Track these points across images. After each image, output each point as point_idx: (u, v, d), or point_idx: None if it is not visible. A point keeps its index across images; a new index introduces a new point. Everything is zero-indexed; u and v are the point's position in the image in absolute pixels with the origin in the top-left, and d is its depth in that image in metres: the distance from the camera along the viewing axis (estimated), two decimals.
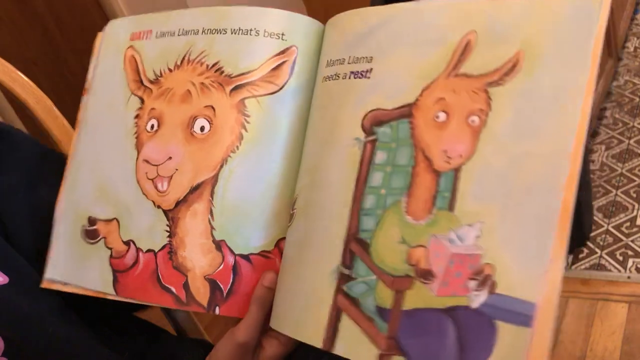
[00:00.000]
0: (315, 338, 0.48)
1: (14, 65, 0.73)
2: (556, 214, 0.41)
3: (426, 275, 0.44)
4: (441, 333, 0.42)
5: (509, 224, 0.42)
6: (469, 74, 0.46)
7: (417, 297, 0.44)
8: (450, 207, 0.44)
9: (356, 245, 0.48)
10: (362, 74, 0.51)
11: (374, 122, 0.50)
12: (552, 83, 0.43)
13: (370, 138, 0.49)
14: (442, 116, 0.46)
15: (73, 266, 0.57)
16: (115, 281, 0.54)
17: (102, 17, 1.65)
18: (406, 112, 0.48)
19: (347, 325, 0.47)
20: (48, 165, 0.63)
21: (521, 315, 0.40)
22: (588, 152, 1.66)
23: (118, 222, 0.55)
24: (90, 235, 0.56)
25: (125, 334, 0.63)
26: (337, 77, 0.53)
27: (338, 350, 0.46)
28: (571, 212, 0.40)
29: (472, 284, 0.42)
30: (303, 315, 0.49)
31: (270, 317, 0.53)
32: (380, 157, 0.48)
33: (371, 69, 0.51)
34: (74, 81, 1.59)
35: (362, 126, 0.50)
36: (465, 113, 0.45)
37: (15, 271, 0.55)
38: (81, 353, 0.54)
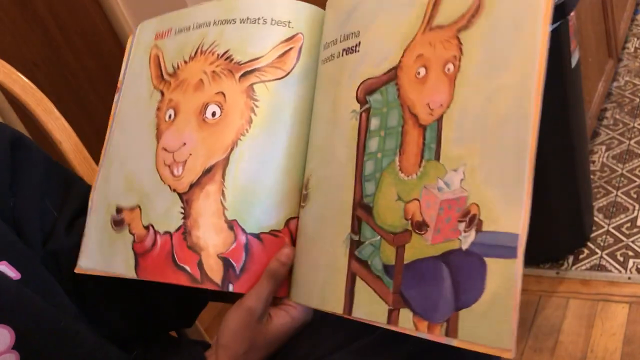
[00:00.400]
0: (337, 305, 0.49)
1: (15, 66, 0.74)
2: (529, 141, 0.40)
3: (420, 226, 0.45)
4: (437, 279, 0.43)
5: (488, 161, 0.42)
6: (442, 24, 0.47)
7: (415, 249, 0.45)
8: (436, 156, 0.45)
9: (361, 211, 0.49)
10: (352, 50, 0.53)
11: (366, 92, 0.51)
12: (510, 14, 0.43)
13: (365, 107, 0.51)
14: (422, 71, 0.47)
15: (102, 254, 0.60)
16: (136, 264, 0.57)
17: (103, 19, 1.65)
18: (392, 75, 0.49)
19: (361, 287, 0.48)
20: (55, 178, 0.66)
21: (507, 248, 0.40)
22: (588, 152, 1.66)
23: (140, 208, 0.58)
24: (118, 223, 0.59)
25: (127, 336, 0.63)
26: (332, 58, 0.55)
27: (355, 313, 0.48)
28: (536, 144, 0.40)
29: (461, 226, 0.42)
30: (325, 287, 0.51)
31: (280, 290, 0.55)
32: (374, 123, 0.50)
33: (359, 43, 0.53)
34: (75, 82, 1.59)
35: (357, 98, 0.51)
36: (441, 63, 0.46)
37: (28, 268, 0.56)
38: (91, 349, 0.55)
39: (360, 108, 0.51)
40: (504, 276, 0.40)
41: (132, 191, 0.59)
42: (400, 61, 0.49)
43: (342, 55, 0.54)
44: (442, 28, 0.47)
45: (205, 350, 0.57)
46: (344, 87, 0.53)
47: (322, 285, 0.52)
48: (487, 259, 0.41)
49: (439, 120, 0.45)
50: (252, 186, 0.55)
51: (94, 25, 1.64)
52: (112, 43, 1.65)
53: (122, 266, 0.58)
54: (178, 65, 0.60)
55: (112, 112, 0.65)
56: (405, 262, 0.45)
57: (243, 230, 0.54)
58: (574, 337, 1.28)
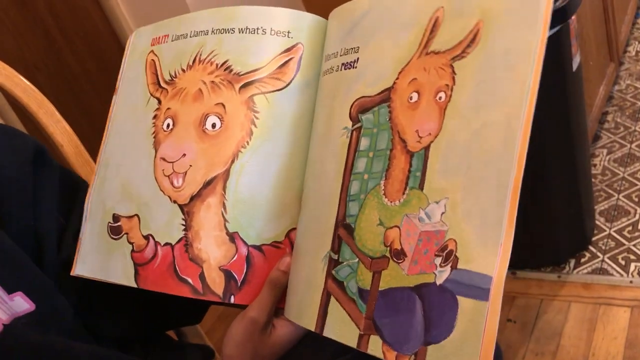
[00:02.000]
0: (310, 322, 0.49)
1: (16, 69, 0.74)
2: (510, 182, 0.39)
3: (398, 254, 0.44)
4: (409, 311, 0.43)
5: (470, 197, 0.41)
6: (437, 50, 0.46)
7: (391, 277, 0.44)
8: (420, 185, 0.44)
9: (343, 230, 0.49)
10: (350, 65, 0.53)
11: (359, 110, 0.51)
12: (504, 48, 0.42)
13: (356, 126, 0.50)
14: (414, 96, 0.46)
15: (99, 262, 0.59)
16: (136, 274, 0.57)
17: (104, 21, 1.66)
18: (386, 96, 0.49)
19: (334, 308, 0.48)
20: (65, 187, 0.66)
21: (479, 289, 0.39)
22: (590, 156, 1.66)
23: (139, 217, 0.58)
24: (115, 231, 0.59)
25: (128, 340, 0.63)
26: (332, 71, 0.55)
27: (327, 332, 0.48)
28: (520, 183, 0.39)
29: (438, 260, 0.42)
30: (302, 301, 0.51)
31: (282, 300, 0.55)
32: (364, 143, 0.49)
33: (357, 59, 0.52)
34: (76, 85, 1.60)
35: (350, 115, 0.51)
36: (433, 90, 0.45)
37: (43, 299, 0.56)
38: None
39: (352, 126, 0.50)
40: (474, 317, 0.39)
41: (130, 199, 0.59)
42: (394, 83, 0.48)
43: (341, 69, 0.53)
44: (437, 54, 0.46)
45: (206, 355, 0.57)
46: (339, 103, 0.52)
47: (300, 299, 0.52)
48: (459, 297, 0.40)
49: (427, 149, 0.44)
50: (253, 198, 0.55)
51: (95, 28, 1.64)
52: (113, 45, 1.65)
53: (121, 275, 0.58)
54: (175, 73, 0.60)
55: (109, 115, 0.65)
56: (380, 288, 0.45)
57: (244, 242, 0.54)
58: (575, 340, 1.28)
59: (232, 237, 0.54)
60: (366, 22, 0.52)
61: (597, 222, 1.53)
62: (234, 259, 0.54)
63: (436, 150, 0.44)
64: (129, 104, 0.63)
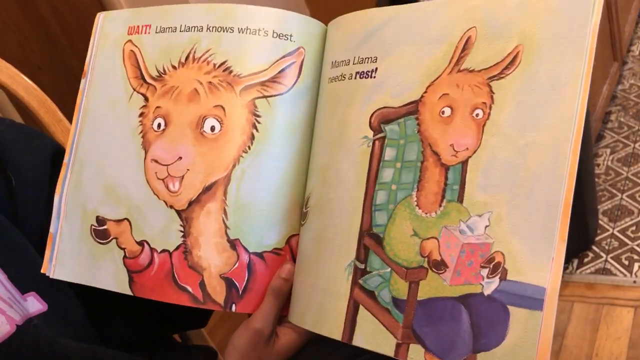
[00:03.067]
0: (335, 331, 0.49)
1: (18, 68, 0.73)
2: (561, 200, 0.42)
3: (439, 265, 0.45)
4: (455, 320, 0.44)
5: (516, 212, 0.43)
6: (471, 69, 0.47)
7: (431, 287, 0.46)
8: (460, 199, 0.46)
9: (370, 240, 0.49)
10: (367, 74, 0.53)
11: (381, 120, 0.51)
12: (549, 73, 0.44)
13: (379, 136, 0.51)
14: (447, 111, 0.48)
15: (83, 266, 0.57)
16: (131, 281, 0.55)
17: None
18: (412, 109, 0.49)
19: (364, 317, 0.48)
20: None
21: (533, 300, 0.42)
22: (593, 155, 1.66)
23: (130, 222, 0.55)
24: (100, 235, 0.56)
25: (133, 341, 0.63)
26: (342, 78, 0.54)
27: (357, 341, 0.48)
28: (571, 202, 0.42)
29: (484, 272, 0.44)
30: (322, 310, 0.51)
31: (285, 308, 0.54)
32: (389, 153, 0.50)
33: (376, 69, 0.52)
34: (78, 85, 1.59)
35: (370, 125, 0.51)
36: (469, 107, 0.47)
37: (55, 299, 0.55)
38: None
39: (374, 135, 0.51)
40: (528, 326, 0.41)
41: (116, 201, 0.56)
42: (422, 96, 0.49)
43: (355, 77, 0.53)
44: (471, 72, 0.47)
45: (209, 356, 0.57)
46: (354, 111, 0.52)
47: (318, 307, 0.51)
48: (510, 307, 0.42)
49: (464, 163, 0.46)
50: (255, 204, 0.54)
51: None
52: None
53: (111, 281, 0.55)
54: (164, 69, 0.56)
55: (77, 102, 0.60)
56: (419, 298, 0.46)
57: (245, 249, 0.53)
58: (578, 341, 1.28)
59: (234, 244, 0.53)
60: (385, 33, 0.53)
61: (600, 222, 1.53)
62: (235, 266, 0.53)
63: (475, 165, 0.45)
64: (106, 96, 0.59)
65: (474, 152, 0.46)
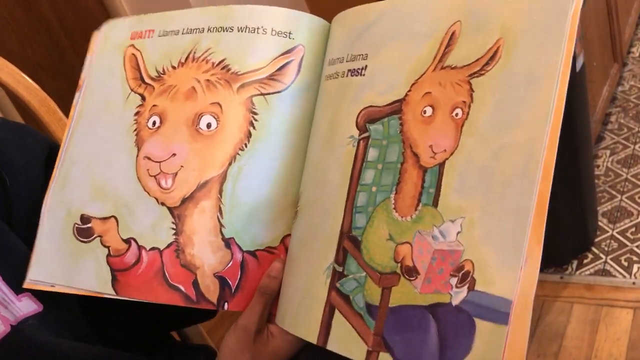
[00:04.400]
0: (311, 334, 0.48)
1: (19, 67, 0.73)
2: (531, 207, 0.39)
3: (410, 272, 0.43)
4: (423, 330, 0.42)
5: (488, 219, 0.40)
6: (454, 65, 0.45)
7: (402, 294, 0.43)
8: (434, 202, 0.43)
9: (349, 243, 0.48)
10: (358, 72, 0.51)
11: (367, 120, 0.49)
12: (526, 68, 0.41)
13: (364, 135, 0.49)
14: (428, 111, 0.45)
15: (63, 266, 0.55)
16: (114, 280, 0.53)
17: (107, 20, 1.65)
18: (397, 108, 0.47)
19: (339, 321, 0.46)
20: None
21: (498, 313, 0.39)
22: (593, 157, 1.66)
23: (116, 219, 0.54)
24: (83, 233, 0.55)
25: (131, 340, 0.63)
26: (336, 76, 0.53)
27: (331, 346, 0.46)
28: (545, 207, 0.39)
29: (453, 280, 0.41)
30: (300, 311, 0.50)
31: (275, 306, 0.53)
32: (372, 154, 0.48)
33: (366, 66, 0.50)
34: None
35: (357, 124, 0.49)
36: (449, 106, 0.44)
37: (50, 300, 0.54)
38: None
39: (359, 135, 0.49)
40: (492, 340, 0.39)
41: (104, 199, 0.55)
42: (406, 95, 0.47)
43: (347, 75, 0.52)
44: (454, 69, 0.45)
45: (209, 355, 0.57)
46: (344, 110, 0.51)
47: (297, 308, 0.50)
48: (476, 320, 0.40)
49: (441, 165, 0.43)
50: (251, 203, 0.53)
51: (98, 27, 1.64)
52: None
53: (92, 282, 0.53)
54: (164, 70, 0.56)
55: (70, 114, 0.59)
56: (390, 305, 0.44)
57: (239, 247, 0.52)
58: (577, 342, 1.27)
59: (228, 242, 0.52)
60: (377, 29, 0.51)
61: (600, 224, 1.52)
62: (229, 265, 0.52)
63: (452, 168, 0.43)
64: (102, 98, 0.58)
65: (451, 153, 0.43)
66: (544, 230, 0.38)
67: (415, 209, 0.44)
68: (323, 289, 0.48)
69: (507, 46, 0.42)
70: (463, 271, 0.41)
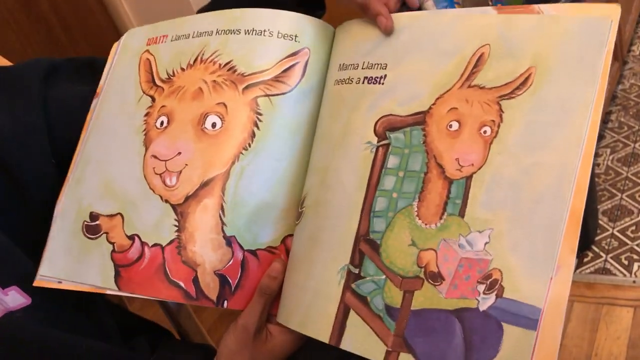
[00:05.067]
0: (322, 333, 0.49)
1: None
2: (563, 222, 0.42)
3: (435, 277, 0.45)
4: (448, 333, 0.43)
5: (517, 231, 0.43)
6: (482, 85, 0.47)
7: (426, 298, 0.45)
8: (461, 213, 0.45)
9: (366, 246, 0.49)
10: (376, 80, 0.52)
11: (387, 127, 0.51)
12: (560, 97, 0.44)
13: (383, 142, 0.50)
14: (455, 125, 0.47)
15: (71, 262, 0.55)
16: (117, 276, 0.53)
17: (107, 19, 1.66)
18: (420, 119, 0.49)
19: (355, 322, 0.48)
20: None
21: (527, 319, 0.41)
22: (593, 155, 1.66)
23: (122, 217, 0.55)
24: (92, 230, 0.56)
25: (129, 337, 0.63)
26: (350, 82, 0.54)
27: (345, 345, 0.47)
28: (579, 220, 0.41)
29: (481, 287, 0.43)
30: (310, 311, 0.50)
31: (274, 306, 0.54)
32: (392, 161, 0.49)
33: (385, 75, 0.52)
34: None
35: (375, 131, 0.51)
36: (477, 123, 0.46)
37: (39, 293, 0.54)
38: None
39: (378, 142, 0.50)
40: (520, 345, 0.41)
41: (113, 197, 0.55)
42: (430, 108, 0.49)
43: (363, 82, 0.53)
44: (482, 89, 0.47)
45: (209, 354, 0.57)
46: (360, 115, 0.52)
47: (307, 308, 0.51)
48: (504, 325, 0.42)
49: (468, 178, 0.46)
50: (253, 202, 0.53)
51: (98, 27, 1.64)
52: None
53: (97, 278, 0.54)
54: (174, 72, 0.57)
55: (87, 118, 0.61)
56: (412, 308, 0.45)
57: (240, 246, 0.53)
58: (578, 340, 1.27)
59: (229, 240, 0.52)
60: (397, 40, 0.52)
61: (600, 222, 1.52)
62: (230, 263, 0.52)
63: (480, 182, 0.45)
64: (117, 101, 0.60)
65: (479, 168, 0.45)
66: (576, 242, 0.41)
67: (440, 218, 0.46)
68: (337, 289, 0.49)
69: (539, 74, 0.45)
70: (491, 279, 0.43)
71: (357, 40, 0.55)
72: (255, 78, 0.55)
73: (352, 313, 0.48)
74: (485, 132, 0.46)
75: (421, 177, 0.48)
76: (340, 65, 0.55)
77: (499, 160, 0.45)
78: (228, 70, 0.55)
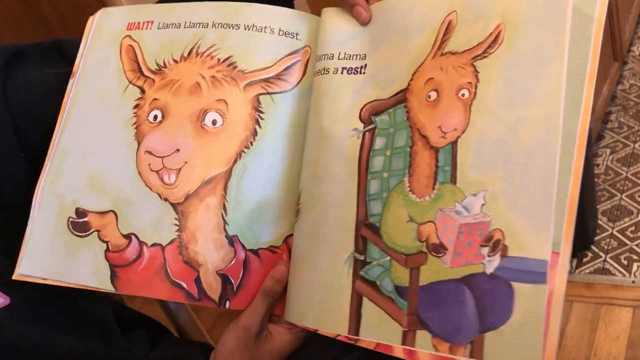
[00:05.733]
0: (339, 326, 0.48)
1: None
2: (555, 172, 0.41)
3: (438, 249, 0.44)
4: (459, 302, 0.43)
5: (512, 188, 0.42)
6: (454, 51, 0.47)
7: (432, 272, 0.44)
8: (453, 180, 0.45)
9: (367, 230, 0.48)
10: (356, 70, 0.53)
11: (372, 112, 0.50)
12: (533, 49, 0.43)
13: (369, 127, 0.50)
14: (433, 95, 0.47)
15: (56, 260, 0.53)
16: (113, 276, 0.52)
17: None
18: (401, 97, 0.49)
19: (369, 308, 0.47)
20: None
21: (535, 274, 0.40)
22: (593, 155, 1.66)
23: (115, 214, 0.53)
24: (79, 227, 0.53)
25: (129, 331, 0.63)
26: (327, 72, 0.54)
27: (364, 334, 0.47)
28: (581, 165, 0.41)
29: (484, 250, 0.43)
30: (323, 306, 0.50)
31: (279, 308, 0.53)
32: (379, 142, 0.49)
33: (365, 65, 0.52)
34: None
35: (361, 118, 0.51)
36: (454, 88, 0.46)
37: (17, 292, 0.53)
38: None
39: (364, 127, 0.50)
40: (533, 300, 0.40)
41: (102, 192, 0.53)
42: (409, 84, 0.49)
43: (342, 72, 0.53)
44: (455, 54, 0.47)
45: (208, 352, 0.57)
46: (343, 106, 0.52)
47: (319, 304, 0.50)
48: (514, 284, 0.41)
49: (454, 144, 0.45)
50: (255, 201, 0.53)
51: None
52: None
53: (90, 278, 0.52)
54: (165, 63, 0.56)
55: (64, 101, 0.57)
56: (421, 283, 0.45)
57: (243, 246, 0.52)
58: (577, 340, 1.27)
59: (231, 240, 0.52)
60: (372, 30, 0.53)
61: (599, 222, 1.52)
62: (232, 263, 0.52)
63: (466, 145, 0.44)
64: (97, 88, 0.57)
65: (463, 132, 0.45)
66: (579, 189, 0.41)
67: (433, 189, 0.46)
68: (347, 280, 0.49)
69: (509, 30, 0.45)
70: (493, 240, 0.42)
71: (332, 29, 0.55)
72: (257, 75, 0.54)
73: (365, 300, 0.47)
74: (463, 95, 0.46)
75: (407, 151, 0.47)
76: (318, 55, 0.55)
77: (482, 120, 0.44)
78: (228, 66, 0.54)
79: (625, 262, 1.41)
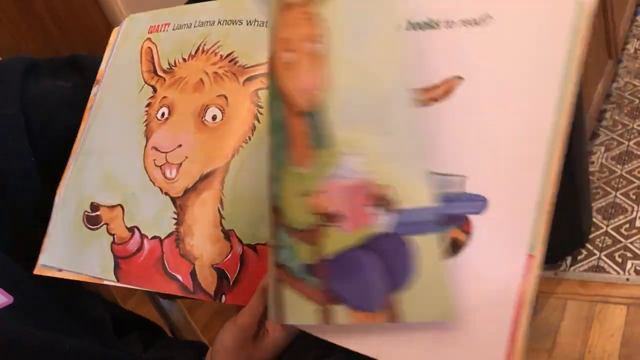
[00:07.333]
0: (273, 317, 0.46)
1: None
2: (412, 112, 0.39)
3: (332, 217, 0.42)
4: (365, 268, 0.41)
5: (384, 138, 0.40)
6: (291, 2, 0.43)
7: (333, 242, 0.42)
8: (327, 143, 0.42)
9: (274, 215, 0.46)
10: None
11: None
12: None
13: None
14: (287, 56, 0.43)
15: (71, 252, 0.55)
16: (116, 267, 0.53)
17: (102, 18, 1.65)
18: (269, 67, 0.46)
19: (287, 293, 0.45)
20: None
21: (428, 223, 0.38)
22: (587, 153, 1.66)
23: (123, 208, 0.55)
24: (92, 221, 0.55)
25: (124, 333, 0.63)
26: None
27: (289, 320, 0.45)
28: (556, 172, 0.38)
29: (376, 209, 0.40)
30: (270, 299, 0.48)
31: None
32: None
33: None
34: None
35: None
36: (302, 44, 0.43)
37: (21, 291, 0.53)
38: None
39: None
40: (432, 250, 0.38)
41: (113, 188, 0.55)
42: (270, 50, 0.45)
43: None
44: (294, 6, 0.43)
45: (202, 352, 0.57)
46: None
47: (270, 297, 0.48)
48: (410, 237, 0.39)
49: (320, 105, 0.42)
50: (252, 196, 0.52)
51: (93, 25, 1.64)
52: None
53: (96, 268, 0.54)
54: (175, 62, 0.57)
55: (88, 106, 0.60)
56: (326, 257, 0.42)
57: (240, 240, 0.52)
58: (571, 338, 1.28)
59: (228, 234, 0.52)
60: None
61: (594, 220, 1.52)
62: (228, 257, 0.52)
63: (332, 104, 0.41)
64: (118, 91, 0.59)
65: (327, 90, 0.41)
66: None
67: (313, 157, 0.42)
68: (273, 269, 0.46)
69: None
70: (381, 196, 0.40)
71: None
72: (256, 70, 0.54)
73: (283, 286, 0.45)
74: (314, 49, 0.42)
75: (281, 123, 0.44)
76: None
77: (341, 74, 0.41)
78: (229, 61, 0.55)
79: (620, 260, 1.41)
